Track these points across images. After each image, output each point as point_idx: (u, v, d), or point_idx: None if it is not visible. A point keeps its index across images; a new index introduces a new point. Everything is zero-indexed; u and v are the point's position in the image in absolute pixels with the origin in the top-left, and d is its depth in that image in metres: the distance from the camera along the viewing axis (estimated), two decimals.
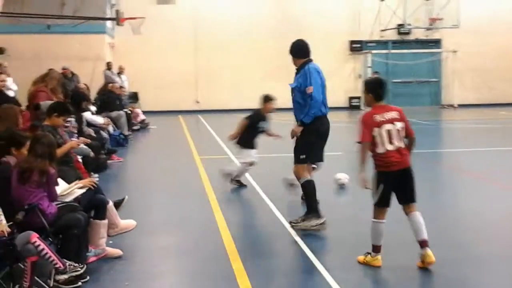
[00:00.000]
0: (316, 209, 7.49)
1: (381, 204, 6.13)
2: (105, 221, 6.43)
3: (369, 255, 6.20)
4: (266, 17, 28.89)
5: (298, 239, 7.13)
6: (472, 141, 16.67)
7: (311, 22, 28.46)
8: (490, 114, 24.68)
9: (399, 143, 6.09)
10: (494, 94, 29.99)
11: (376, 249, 6.17)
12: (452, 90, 29.77)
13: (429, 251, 5.98)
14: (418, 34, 30.25)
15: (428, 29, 30.04)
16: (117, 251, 6.55)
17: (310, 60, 7.82)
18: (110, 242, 6.72)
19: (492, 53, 29.85)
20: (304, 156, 7.63)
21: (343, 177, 9.98)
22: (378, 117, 6.10)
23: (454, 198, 9.73)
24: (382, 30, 29.78)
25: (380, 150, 6.07)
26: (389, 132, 6.07)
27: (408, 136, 6.20)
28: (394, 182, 6.11)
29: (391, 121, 6.10)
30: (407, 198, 6.16)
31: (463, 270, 6.14)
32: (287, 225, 7.63)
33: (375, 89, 6.31)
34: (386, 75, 29.28)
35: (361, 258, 6.26)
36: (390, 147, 6.06)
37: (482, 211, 8.46)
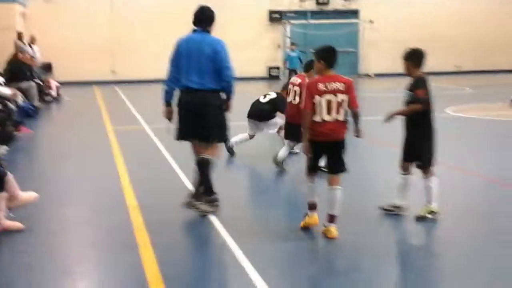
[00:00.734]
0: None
1: (310, 169, 6.27)
2: (3, 194, 6.22)
3: (306, 216, 6.31)
4: None
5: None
6: (384, 109, 16.86)
7: None
8: (404, 83, 25.15)
9: (337, 115, 6.08)
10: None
11: (311, 206, 6.28)
12: (369, 60, 30.33)
13: (332, 227, 6.09)
14: (336, 4, 30.56)
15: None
16: (17, 224, 6.33)
17: (194, 30, 7.03)
18: (11, 215, 6.51)
19: (408, 23, 30.42)
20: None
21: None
22: (321, 86, 6.07)
23: (358, 165, 9.85)
24: (301, 1, 29.95)
25: (316, 118, 6.07)
26: (328, 103, 6.05)
27: (351, 108, 6.16)
28: (323, 152, 6.21)
29: (334, 92, 6.07)
30: (332, 170, 6.22)
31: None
32: None
33: (329, 56, 6.24)
34: (304, 46, 29.48)
35: (301, 223, 6.34)
36: (327, 118, 6.06)
37: (385, 176, 8.59)
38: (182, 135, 7.00)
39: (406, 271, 5.56)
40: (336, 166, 6.19)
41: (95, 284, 5.31)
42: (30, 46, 21.40)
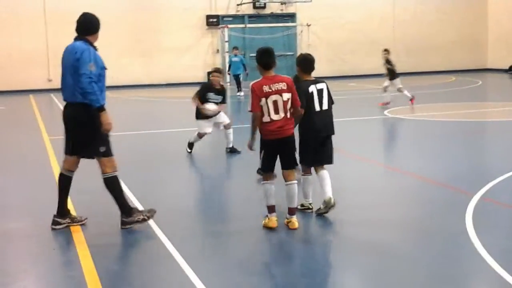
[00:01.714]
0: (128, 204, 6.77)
1: (265, 169, 6.57)
2: None
3: (266, 218, 6.53)
4: None
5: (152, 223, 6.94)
6: None
7: None
8: (342, 86, 25.47)
9: (284, 114, 6.39)
10: (346, 66, 31.16)
11: (270, 209, 6.53)
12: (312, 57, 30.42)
13: (294, 218, 6.52)
14: (273, 8, 30.67)
15: (282, 3, 30.52)
16: None
17: (77, 39, 6.72)
18: None
19: (344, 26, 30.92)
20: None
21: None
22: (266, 88, 6.35)
23: None
24: (238, 5, 29.94)
25: (265, 119, 6.37)
26: (275, 103, 6.34)
27: (295, 106, 6.48)
28: (275, 150, 6.50)
29: (279, 92, 6.36)
30: (286, 166, 6.57)
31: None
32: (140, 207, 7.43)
33: (262, 58, 6.57)
34: (243, 49, 29.51)
35: (263, 222, 6.57)
36: (275, 117, 6.36)
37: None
38: (68, 149, 6.68)
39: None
40: (290, 162, 6.55)
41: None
42: None
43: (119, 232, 6.52)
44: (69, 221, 6.66)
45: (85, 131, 6.43)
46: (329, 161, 7.06)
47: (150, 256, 5.89)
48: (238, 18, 30.27)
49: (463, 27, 32.98)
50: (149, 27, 28.23)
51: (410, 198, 8.04)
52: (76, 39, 6.63)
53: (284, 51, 30.81)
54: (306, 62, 7.08)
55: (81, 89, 6.26)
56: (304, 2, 29.64)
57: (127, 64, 27.77)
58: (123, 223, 6.54)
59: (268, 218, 6.50)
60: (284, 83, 6.39)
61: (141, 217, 6.58)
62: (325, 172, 6.96)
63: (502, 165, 9.49)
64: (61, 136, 12.39)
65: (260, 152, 6.53)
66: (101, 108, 6.32)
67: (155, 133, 14.22)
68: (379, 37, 30.99)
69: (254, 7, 30.42)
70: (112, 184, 6.56)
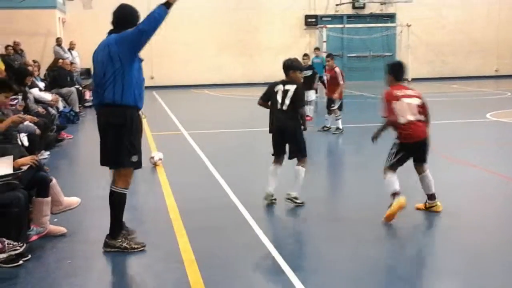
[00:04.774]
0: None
1: (395, 167, 6.89)
2: (48, 199, 6.31)
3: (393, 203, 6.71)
4: None
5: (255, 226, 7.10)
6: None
7: None
8: (443, 88, 24.95)
9: (418, 116, 6.84)
10: (447, 67, 30.45)
11: (395, 195, 6.71)
12: (406, 64, 29.93)
13: (438, 202, 7.07)
14: (372, 8, 30.38)
15: (382, 3, 30.18)
16: (60, 229, 6.45)
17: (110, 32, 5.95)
18: (55, 220, 6.61)
19: (445, 27, 30.31)
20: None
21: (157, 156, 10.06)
22: (398, 92, 6.87)
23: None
24: (337, 5, 29.84)
25: (401, 120, 6.78)
26: (408, 105, 6.81)
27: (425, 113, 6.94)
28: (412, 152, 6.91)
29: (410, 96, 6.89)
30: (420, 160, 7.02)
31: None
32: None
33: (396, 70, 7.09)
34: (341, 50, 29.43)
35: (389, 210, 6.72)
36: (411, 118, 6.79)
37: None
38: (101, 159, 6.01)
39: None
40: (425, 158, 7.02)
41: None
42: (70, 52, 21.75)
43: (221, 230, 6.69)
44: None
45: (119, 136, 5.75)
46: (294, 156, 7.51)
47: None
48: (336, 18, 30.19)
49: None
50: (249, 27, 28.67)
51: None
52: (111, 32, 5.88)
53: (382, 51, 30.47)
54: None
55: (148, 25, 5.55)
56: (405, 2, 29.18)
57: (224, 64, 28.32)
58: (105, 244, 5.97)
59: (395, 202, 6.68)
60: (413, 91, 6.99)
61: (124, 245, 5.95)
62: None
63: None
64: (163, 132, 12.58)
65: (395, 153, 6.84)
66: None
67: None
68: (482, 38, 30.12)
69: (354, 7, 30.24)
70: (118, 202, 5.93)
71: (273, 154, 7.59)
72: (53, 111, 13.26)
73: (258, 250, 5.98)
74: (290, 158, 7.58)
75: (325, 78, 22.41)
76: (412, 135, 6.77)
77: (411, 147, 6.84)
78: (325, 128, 13.75)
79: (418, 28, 29.63)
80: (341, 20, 30.31)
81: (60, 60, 17.99)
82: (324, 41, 28.88)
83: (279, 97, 7.39)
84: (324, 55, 23.07)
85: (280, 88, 7.44)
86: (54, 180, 6.53)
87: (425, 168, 7.03)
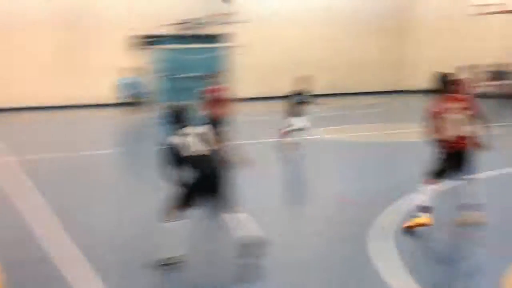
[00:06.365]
0: None
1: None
2: None
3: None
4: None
5: None
6: (248, 134, 16.78)
7: None
8: (271, 107, 25.41)
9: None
10: (275, 87, 31.24)
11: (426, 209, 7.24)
12: (236, 83, 30.39)
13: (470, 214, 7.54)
14: (205, 28, 30.38)
15: (213, 24, 30.33)
16: None
17: None
18: None
19: (275, 49, 31.17)
20: None
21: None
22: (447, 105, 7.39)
23: None
24: (168, 25, 29.50)
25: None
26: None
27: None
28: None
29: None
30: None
31: None
32: None
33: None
34: (175, 71, 29.30)
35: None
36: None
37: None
38: None
39: None
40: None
41: None
42: None
43: None
44: None
45: None
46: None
47: None
48: (167, 38, 29.89)
49: (387, 48, 33.77)
50: (76, 46, 27.75)
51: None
52: None
53: (215, 71, 30.57)
54: None
55: None
56: (238, 23, 29.49)
57: (51, 83, 27.12)
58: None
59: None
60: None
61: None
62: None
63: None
64: None
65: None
66: None
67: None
68: (316, 57, 31.49)
69: (184, 28, 30.10)
70: None
71: None
72: None
73: None
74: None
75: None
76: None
77: None
78: None
79: (251, 48, 29.98)
80: (173, 40, 30.01)
81: None
82: (151, 62, 28.48)
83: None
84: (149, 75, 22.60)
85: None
86: None
87: None
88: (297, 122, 14.50)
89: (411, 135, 16.18)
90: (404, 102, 28.81)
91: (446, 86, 7.45)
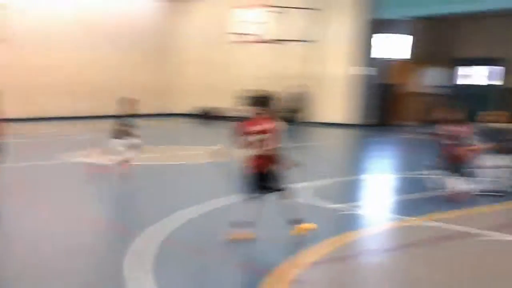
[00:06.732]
0: None
1: None
2: None
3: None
4: None
5: None
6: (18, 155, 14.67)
7: None
8: (31, 129, 24.28)
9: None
10: (36, 108, 26.64)
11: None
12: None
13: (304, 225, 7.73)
14: None
15: None
16: None
17: None
18: None
19: (35, 68, 28.48)
20: None
21: None
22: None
23: None
24: None
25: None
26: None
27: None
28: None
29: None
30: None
31: None
32: None
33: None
34: None
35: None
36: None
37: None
38: None
39: None
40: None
41: None
42: None
43: None
44: None
45: None
46: None
47: None
48: None
49: (154, 73, 32.91)
50: None
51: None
52: None
53: None
54: None
55: None
56: None
57: None
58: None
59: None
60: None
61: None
62: None
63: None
64: None
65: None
66: None
67: None
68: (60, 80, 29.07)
69: None
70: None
71: None
72: None
73: None
74: None
75: None
76: None
77: None
78: None
79: (7, 68, 27.09)
80: None
81: None
82: None
83: None
84: None
85: None
86: None
87: None
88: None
89: (191, 157, 16.20)
90: (172, 125, 27.60)
91: (257, 105, 7.38)
